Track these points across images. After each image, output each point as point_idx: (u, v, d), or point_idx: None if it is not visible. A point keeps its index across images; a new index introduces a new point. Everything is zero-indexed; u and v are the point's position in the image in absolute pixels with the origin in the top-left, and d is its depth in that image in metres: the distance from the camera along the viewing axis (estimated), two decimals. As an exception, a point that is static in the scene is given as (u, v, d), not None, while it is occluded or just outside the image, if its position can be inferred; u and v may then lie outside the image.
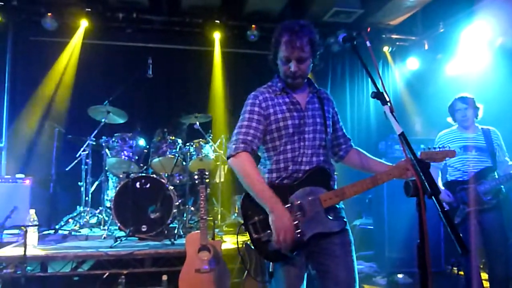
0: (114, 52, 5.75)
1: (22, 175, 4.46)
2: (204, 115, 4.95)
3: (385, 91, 1.59)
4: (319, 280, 1.95)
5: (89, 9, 5.53)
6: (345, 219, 1.97)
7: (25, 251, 3.32)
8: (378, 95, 1.57)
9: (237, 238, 2.05)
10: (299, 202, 1.86)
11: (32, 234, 3.64)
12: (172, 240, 3.92)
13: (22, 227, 3.44)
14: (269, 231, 1.84)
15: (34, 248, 3.63)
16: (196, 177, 3.47)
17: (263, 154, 2.06)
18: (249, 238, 1.90)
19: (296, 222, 1.83)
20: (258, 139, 1.96)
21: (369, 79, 1.68)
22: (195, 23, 5.99)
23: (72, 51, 5.64)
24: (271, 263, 1.89)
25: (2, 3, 5.30)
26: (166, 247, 3.76)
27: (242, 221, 1.93)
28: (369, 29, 6.04)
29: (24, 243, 3.34)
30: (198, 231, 3.33)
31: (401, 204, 4.12)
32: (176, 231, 4.16)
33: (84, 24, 5.57)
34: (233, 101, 5.99)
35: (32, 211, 3.67)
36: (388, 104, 1.55)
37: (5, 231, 4.08)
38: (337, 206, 1.97)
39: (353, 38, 1.82)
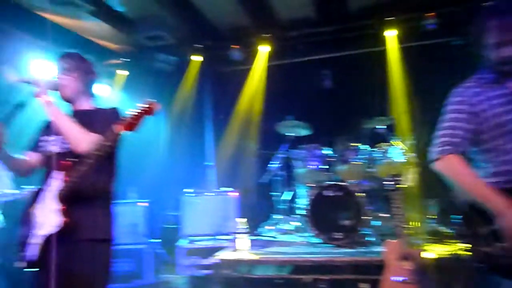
0: (292, 69, 6.10)
1: (230, 188, 5.12)
2: (386, 118, 4.77)
3: None
4: None
5: (268, 35, 6.03)
6: None
7: (238, 255, 3.79)
8: None
9: (449, 247, 1.87)
10: (532, 209, 1.57)
11: (243, 240, 4.12)
12: (367, 247, 3.87)
13: (235, 234, 3.94)
14: (500, 243, 1.61)
15: (245, 252, 4.09)
16: (387, 182, 3.35)
17: (480, 156, 1.81)
18: (460, 248, 1.70)
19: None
20: (466, 140, 1.74)
21: None
22: (365, 25, 5.84)
23: (258, 74, 6.26)
24: (499, 278, 1.65)
25: (201, 45, 6.28)
26: (363, 255, 3.72)
27: (460, 231, 1.75)
28: None
29: (237, 247, 3.82)
30: (395, 239, 3.18)
31: None
32: (370, 239, 4.08)
33: (265, 49, 6.12)
34: (416, 99, 5.55)
35: (242, 220, 4.16)
36: None
37: (221, 237, 4.76)
38: None
39: None
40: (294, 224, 4.94)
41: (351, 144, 4.63)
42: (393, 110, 5.64)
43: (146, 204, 5.10)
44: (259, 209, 5.56)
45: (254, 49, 6.20)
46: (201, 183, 5.85)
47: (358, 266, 3.60)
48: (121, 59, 6.54)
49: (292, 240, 4.60)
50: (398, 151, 4.63)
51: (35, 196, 2.06)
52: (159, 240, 5.24)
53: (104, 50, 6.32)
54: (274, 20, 5.85)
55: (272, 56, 6.19)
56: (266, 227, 4.98)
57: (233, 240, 4.74)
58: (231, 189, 5.09)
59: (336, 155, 4.79)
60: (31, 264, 2.01)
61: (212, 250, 4.53)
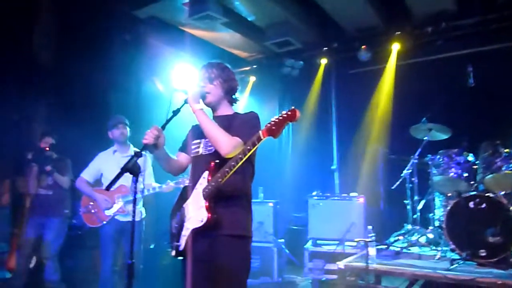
0: (428, 67, 5.67)
1: (355, 194, 4.99)
2: (550, 120, 4.06)
3: None
4: None
5: (399, 32, 5.73)
6: None
7: (367, 263, 3.65)
8: None
9: None
10: None
11: (371, 248, 3.96)
12: (522, 270, 3.35)
13: (364, 241, 3.81)
14: None
15: (373, 261, 3.92)
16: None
17: None
18: None
19: None
20: None
21: None
22: (518, 13, 5.11)
23: (387, 75, 5.99)
24: None
25: (327, 48, 6.29)
26: (515, 278, 3.25)
27: None
28: None
29: (366, 255, 3.68)
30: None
31: None
32: (525, 260, 3.53)
33: (395, 47, 5.83)
34: None
35: (370, 227, 4.01)
36: None
37: (346, 243, 4.66)
38: None
39: None
40: (427, 236, 4.57)
41: (501, 150, 4.06)
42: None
43: (271, 204, 5.29)
44: (388, 217, 5.29)
45: (383, 49, 5.96)
46: (327, 187, 5.82)
47: (509, 291, 3.16)
48: (250, 66, 6.95)
49: (424, 253, 4.26)
50: None
51: (185, 193, 2.31)
52: (284, 240, 5.37)
53: (235, 58, 6.80)
54: (407, 16, 5.55)
55: (403, 55, 5.86)
56: (395, 237, 4.70)
57: (358, 247, 4.61)
58: (357, 194, 4.97)
59: (480, 162, 4.26)
60: (179, 253, 2.26)
61: (336, 255, 4.49)
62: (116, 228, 3.85)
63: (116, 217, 3.86)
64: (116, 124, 3.98)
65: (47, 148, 4.27)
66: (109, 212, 3.85)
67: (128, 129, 4.05)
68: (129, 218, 3.82)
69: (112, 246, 3.84)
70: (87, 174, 3.97)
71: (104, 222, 3.85)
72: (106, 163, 3.95)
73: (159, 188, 3.86)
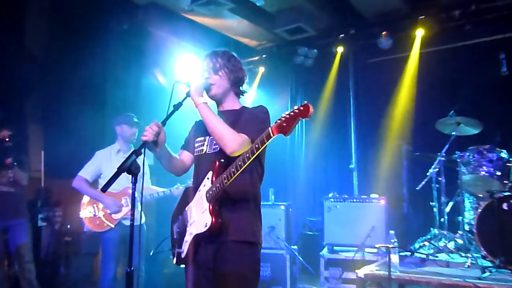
0: (455, 54, 5.62)
1: (376, 195, 4.95)
2: None
3: None
4: None
5: (423, 16, 5.66)
6: None
7: (389, 271, 3.62)
8: None
9: None
10: None
11: (393, 255, 3.92)
12: (562, 280, 3.29)
13: (385, 247, 3.77)
14: None
15: (396, 269, 3.88)
16: None
17: None
18: None
19: None
20: None
21: None
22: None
23: (410, 64, 5.92)
24: None
25: (343, 35, 6.24)
26: (556, 289, 3.19)
27: None
28: None
29: (388, 263, 3.65)
30: None
31: None
32: None
33: (419, 33, 5.76)
34: None
35: (392, 232, 3.98)
36: None
37: (366, 250, 4.63)
38: None
39: None
40: (456, 241, 4.51)
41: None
42: None
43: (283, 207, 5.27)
44: (412, 221, 5.25)
45: (406, 35, 5.90)
46: (344, 188, 5.78)
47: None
48: (259, 55, 6.93)
49: (453, 260, 4.22)
50: None
51: (188, 195, 2.30)
52: (297, 247, 5.35)
53: (243, 47, 6.79)
54: (432, -1, 5.48)
55: (428, 41, 5.79)
56: (421, 243, 4.66)
57: (379, 254, 4.57)
58: (377, 195, 4.93)
59: (516, 160, 4.22)
60: (181, 260, 2.25)
61: (355, 263, 4.47)
62: (121, 233, 3.88)
63: (122, 221, 3.89)
64: (131, 124, 4.04)
65: (7, 139, 4.04)
66: (117, 216, 3.87)
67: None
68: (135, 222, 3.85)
69: (115, 252, 3.87)
70: (87, 173, 3.92)
71: (113, 226, 3.85)
72: (109, 163, 3.96)
73: (169, 192, 3.89)
